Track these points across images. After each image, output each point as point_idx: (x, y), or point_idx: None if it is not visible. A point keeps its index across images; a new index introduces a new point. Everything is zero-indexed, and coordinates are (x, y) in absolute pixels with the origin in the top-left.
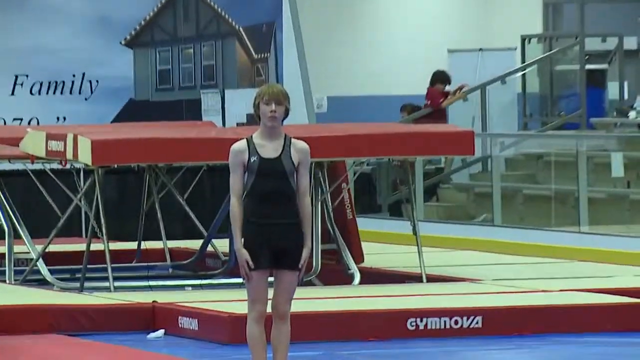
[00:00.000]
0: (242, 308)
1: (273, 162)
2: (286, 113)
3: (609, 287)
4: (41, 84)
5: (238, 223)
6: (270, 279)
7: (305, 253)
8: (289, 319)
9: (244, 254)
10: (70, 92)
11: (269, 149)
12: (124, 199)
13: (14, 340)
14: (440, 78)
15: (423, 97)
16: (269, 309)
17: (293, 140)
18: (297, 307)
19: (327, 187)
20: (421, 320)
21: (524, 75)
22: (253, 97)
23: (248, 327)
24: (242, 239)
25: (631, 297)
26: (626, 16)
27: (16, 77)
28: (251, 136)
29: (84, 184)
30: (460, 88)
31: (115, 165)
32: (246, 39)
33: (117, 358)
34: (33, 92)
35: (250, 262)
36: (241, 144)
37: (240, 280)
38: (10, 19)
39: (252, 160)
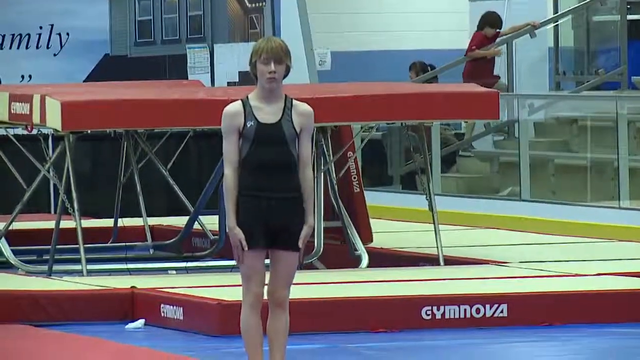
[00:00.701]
0: (233, 294)
1: (272, 127)
2: (287, 71)
3: None
4: (3, 38)
5: (232, 197)
6: (267, 261)
7: (305, 231)
8: (287, 307)
9: (237, 233)
10: (37, 47)
11: (268, 113)
12: (99, 169)
13: None
14: (489, 21)
15: (439, 52)
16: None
17: (295, 102)
18: (296, 293)
19: (331, 156)
20: (438, 309)
21: (556, 27)
22: (248, 53)
23: (242, 315)
24: (236, 216)
25: None
26: None
27: None
28: (247, 97)
29: (53, 152)
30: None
31: (89, 131)
32: None
33: (91, 351)
34: None
35: (244, 242)
36: (236, 106)
37: (231, 262)
38: None
39: (248, 125)
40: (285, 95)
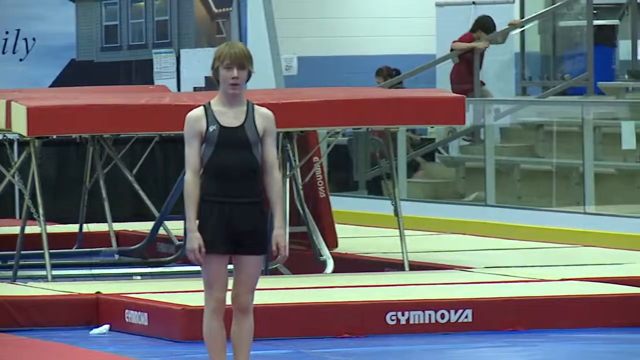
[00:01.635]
0: (198, 300)
1: (235, 131)
2: (249, 76)
3: (617, 276)
4: None
5: (193, 202)
6: (230, 266)
7: (277, 235)
8: (251, 312)
9: (196, 238)
10: (3, 52)
11: (230, 117)
12: (64, 174)
13: None
14: (482, 25)
15: (405, 57)
16: (228, 301)
17: (256, 107)
18: (261, 298)
19: (297, 161)
20: (403, 314)
21: (522, 32)
22: (211, 59)
23: (205, 321)
24: (197, 221)
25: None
26: None
27: None
28: (209, 103)
29: (18, 157)
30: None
31: (54, 136)
32: None
33: (55, 357)
34: None
35: (202, 247)
36: (198, 112)
37: (196, 268)
38: None
39: (210, 129)
40: (248, 100)
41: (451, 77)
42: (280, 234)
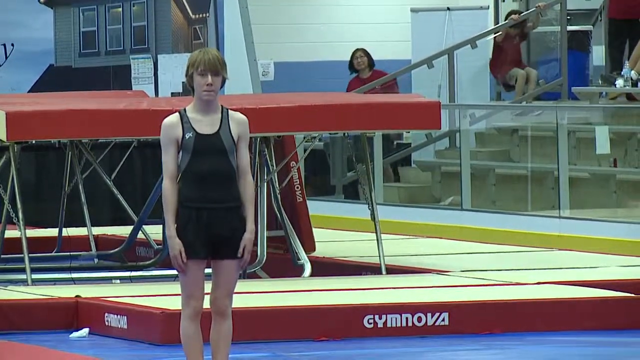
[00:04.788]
0: (176, 304)
1: (211, 138)
2: (223, 82)
3: (592, 279)
4: None
5: (171, 208)
6: (208, 270)
7: (247, 237)
8: (230, 316)
9: (177, 244)
10: None
11: (206, 124)
12: (44, 179)
13: None
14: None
15: (381, 63)
16: (206, 305)
17: (230, 112)
18: (239, 302)
19: (274, 166)
20: (380, 317)
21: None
22: (188, 60)
23: (182, 325)
24: (176, 226)
25: (617, 290)
26: None
27: None
28: (184, 109)
29: None
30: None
31: (33, 141)
32: None
33: None
34: None
35: (184, 253)
36: (173, 119)
37: (175, 272)
38: None
39: (187, 136)
40: (222, 106)
41: (490, 66)
42: (249, 238)
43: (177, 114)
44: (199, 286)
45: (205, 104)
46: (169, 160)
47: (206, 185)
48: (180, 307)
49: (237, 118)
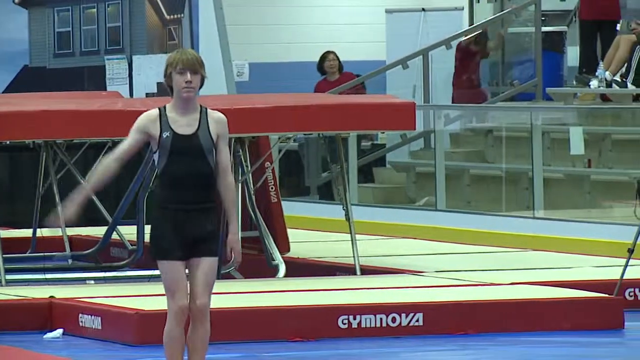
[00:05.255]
0: (151, 304)
1: (189, 138)
2: (202, 82)
3: (566, 280)
4: None
5: (99, 174)
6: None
7: (232, 240)
8: (208, 316)
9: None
10: None
11: (184, 125)
12: (17, 180)
13: None
14: None
15: (356, 63)
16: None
17: (209, 111)
18: (214, 302)
19: (249, 167)
20: (354, 318)
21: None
22: (164, 65)
23: (167, 326)
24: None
25: (590, 291)
26: None
27: None
28: (164, 107)
29: None
30: None
31: (7, 142)
32: None
33: None
34: None
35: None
36: (154, 113)
37: (150, 272)
38: None
39: (164, 136)
40: (201, 106)
41: None
42: (235, 239)
43: (157, 110)
44: (181, 286)
45: (185, 102)
46: (126, 143)
47: (183, 187)
48: (155, 308)
49: (217, 117)
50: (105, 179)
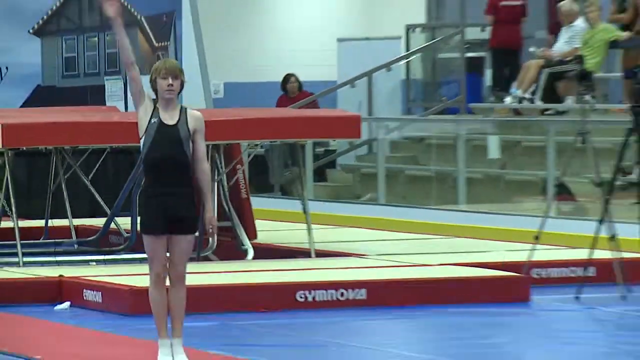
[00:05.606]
0: (142, 282)
1: (170, 128)
2: (181, 86)
3: (484, 262)
4: None
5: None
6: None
7: (208, 217)
8: (185, 282)
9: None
10: None
11: (167, 118)
12: (33, 179)
13: None
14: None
15: (312, 83)
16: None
17: (188, 110)
18: (194, 280)
19: (224, 168)
20: (309, 293)
21: (408, 62)
22: (152, 71)
23: (150, 293)
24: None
25: (504, 270)
26: None
27: None
28: (157, 101)
29: None
30: None
31: (24, 148)
32: (147, 28)
33: (26, 328)
34: None
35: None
36: (151, 99)
37: (140, 255)
38: None
39: (152, 121)
40: (182, 105)
41: None
42: (211, 215)
43: (152, 101)
44: (160, 257)
45: (167, 102)
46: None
47: (164, 171)
48: (145, 285)
49: (194, 114)
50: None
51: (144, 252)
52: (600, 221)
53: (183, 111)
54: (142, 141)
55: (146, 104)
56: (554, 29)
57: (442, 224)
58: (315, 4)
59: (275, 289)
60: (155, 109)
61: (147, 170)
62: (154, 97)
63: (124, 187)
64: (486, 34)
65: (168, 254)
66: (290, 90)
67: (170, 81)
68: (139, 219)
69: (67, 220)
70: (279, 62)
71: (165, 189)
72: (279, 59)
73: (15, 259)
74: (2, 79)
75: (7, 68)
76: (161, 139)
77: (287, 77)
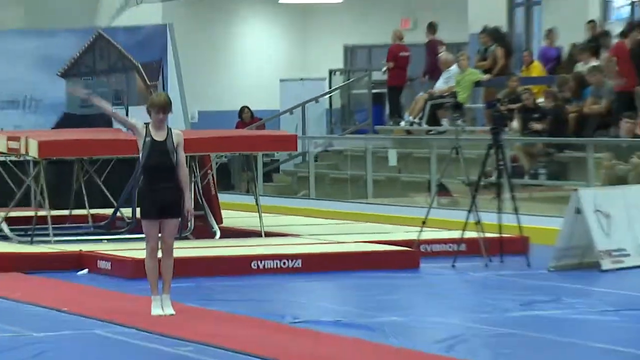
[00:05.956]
0: (140, 255)
1: (160, 143)
2: (168, 112)
3: (386, 240)
4: (2, 102)
5: (109, 109)
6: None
7: (188, 204)
8: (172, 252)
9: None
10: (23, 108)
11: (158, 136)
12: (60, 181)
13: None
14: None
15: (263, 111)
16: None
17: (172, 130)
18: (177, 253)
19: (198, 172)
20: (260, 262)
21: (330, 96)
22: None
23: (146, 262)
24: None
25: (401, 246)
26: None
27: None
28: (149, 124)
29: (33, 170)
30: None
31: (54, 158)
32: (143, 72)
33: (54, 289)
34: None
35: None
36: (144, 126)
37: (139, 236)
38: None
39: (147, 140)
40: (168, 127)
41: None
42: (189, 204)
43: (145, 125)
44: (154, 235)
45: (158, 126)
46: (131, 120)
47: (157, 173)
48: (142, 257)
49: (176, 132)
50: (109, 111)
51: (142, 233)
52: (469, 211)
53: (169, 130)
54: (141, 154)
55: (140, 132)
56: (429, 73)
57: (356, 213)
58: (263, 54)
59: (235, 259)
60: (147, 130)
61: (144, 173)
62: (148, 121)
63: (127, 186)
64: (385, 77)
65: (160, 234)
66: (245, 117)
67: (160, 115)
68: (138, 209)
69: (85, 210)
70: (237, 96)
71: (157, 186)
72: (237, 93)
73: (48, 238)
74: (38, 108)
75: (41, 100)
76: (154, 151)
77: (242, 109)
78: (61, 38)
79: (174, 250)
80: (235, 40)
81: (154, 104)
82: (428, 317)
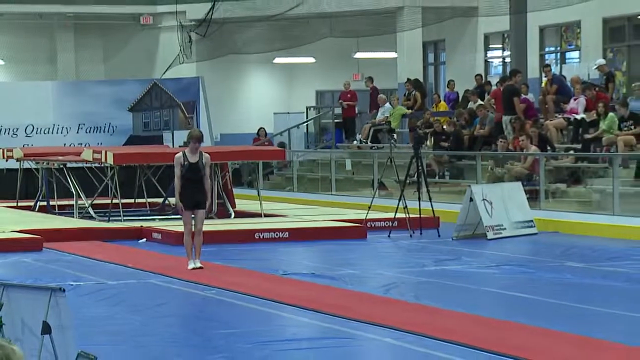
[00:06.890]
0: (180, 228)
1: (194, 164)
2: (201, 142)
3: (344, 219)
4: (90, 128)
5: (177, 189)
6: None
7: (209, 203)
8: (202, 232)
9: (179, 202)
10: (104, 132)
11: (193, 158)
12: (129, 181)
13: (79, 244)
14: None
15: (269, 132)
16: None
17: (203, 153)
18: (206, 228)
19: (219, 174)
20: (262, 234)
21: (307, 124)
22: (187, 134)
23: (184, 237)
24: (179, 196)
25: (353, 223)
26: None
27: (79, 125)
28: (184, 152)
29: (110, 173)
30: None
31: (124, 164)
32: (183, 108)
33: (123, 252)
34: (87, 131)
35: (183, 207)
36: (181, 154)
37: (179, 217)
38: (69, 100)
39: (185, 163)
40: (200, 151)
41: None
42: (210, 202)
43: (182, 153)
44: (189, 221)
45: (193, 152)
46: (177, 171)
47: (191, 181)
48: (182, 230)
49: (206, 156)
50: (179, 188)
51: (181, 217)
52: (399, 199)
53: (200, 154)
54: (181, 170)
55: (179, 161)
56: (372, 108)
57: (324, 201)
58: (263, 95)
59: (244, 232)
60: (185, 156)
61: (184, 180)
62: (183, 145)
63: (170, 185)
64: (340, 110)
65: (193, 219)
66: (260, 134)
67: (196, 145)
68: (171, 199)
69: (144, 199)
70: (246, 123)
71: (191, 190)
72: (246, 121)
73: (119, 218)
74: (114, 131)
75: (116, 126)
76: (190, 169)
77: (260, 129)
78: (129, 85)
79: (203, 226)
80: (245, 87)
81: (192, 137)
82: (372, 270)
